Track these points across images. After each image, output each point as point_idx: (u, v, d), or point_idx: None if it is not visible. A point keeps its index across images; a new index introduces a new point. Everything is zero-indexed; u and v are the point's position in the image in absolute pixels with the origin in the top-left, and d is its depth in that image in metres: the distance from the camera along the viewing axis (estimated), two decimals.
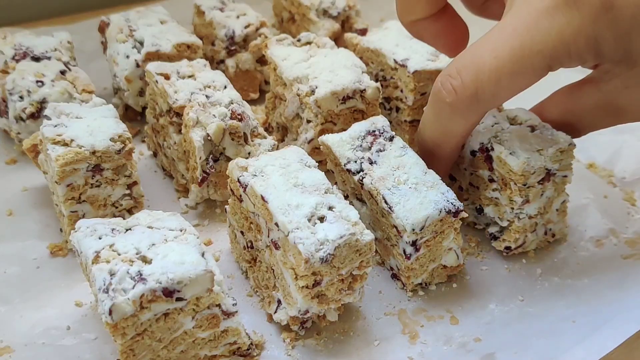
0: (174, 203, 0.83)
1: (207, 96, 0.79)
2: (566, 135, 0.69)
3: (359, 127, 0.74)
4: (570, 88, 0.70)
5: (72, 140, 0.70)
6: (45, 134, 0.71)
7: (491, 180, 0.72)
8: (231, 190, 0.69)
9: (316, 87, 0.81)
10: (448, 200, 0.66)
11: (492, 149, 0.69)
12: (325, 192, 0.63)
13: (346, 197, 0.72)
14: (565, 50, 0.58)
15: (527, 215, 0.70)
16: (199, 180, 0.76)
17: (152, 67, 0.83)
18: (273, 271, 0.65)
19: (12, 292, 0.69)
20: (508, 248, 0.73)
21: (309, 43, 0.89)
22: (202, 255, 0.58)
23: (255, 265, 0.70)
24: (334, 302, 0.63)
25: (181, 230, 0.61)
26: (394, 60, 0.87)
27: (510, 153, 0.68)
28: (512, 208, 0.70)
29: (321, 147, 0.76)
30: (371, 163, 0.71)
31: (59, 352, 0.63)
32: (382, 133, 0.73)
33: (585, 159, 0.91)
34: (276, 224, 0.61)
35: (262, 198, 0.62)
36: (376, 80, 0.89)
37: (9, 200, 0.81)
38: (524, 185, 0.67)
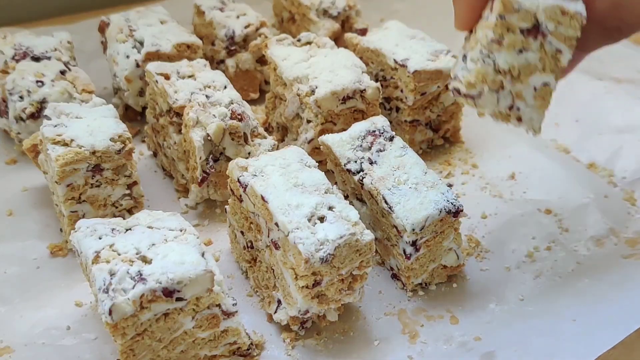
0: (174, 203, 0.83)
1: (207, 96, 0.79)
2: (581, 5, 0.58)
3: (359, 127, 0.74)
4: None
5: (72, 140, 0.70)
6: (45, 134, 0.71)
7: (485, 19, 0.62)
8: (231, 190, 0.69)
9: (316, 87, 0.81)
10: (448, 200, 0.66)
11: None
12: (325, 192, 0.63)
13: (346, 197, 0.72)
14: None
15: (494, 65, 0.58)
16: (199, 180, 0.76)
17: (152, 67, 0.83)
18: (273, 271, 0.65)
19: (12, 292, 0.69)
20: (457, 90, 0.62)
21: (309, 43, 0.89)
22: (202, 255, 0.58)
23: (255, 265, 0.70)
24: (334, 302, 0.63)
25: (181, 230, 0.61)
26: (394, 60, 0.87)
27: None
28: (484, 47, 0.59)
29: (321, 147, 0.76)
30: (371, 163, 0.71)
31: (59, 352, 0.63)
32: (382, 133, 0.73)
33: (585, 158, 0.92)
34: (276, 224, 0.61)
35: (262, 198, 0.62)
36: (376, 80, 0.89)
37: (9, 200, 0.81)
38: (501, 17, 0.56)
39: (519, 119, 0.61)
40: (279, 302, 0.65)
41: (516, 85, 0.59)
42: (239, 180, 0.66)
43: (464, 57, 0.63)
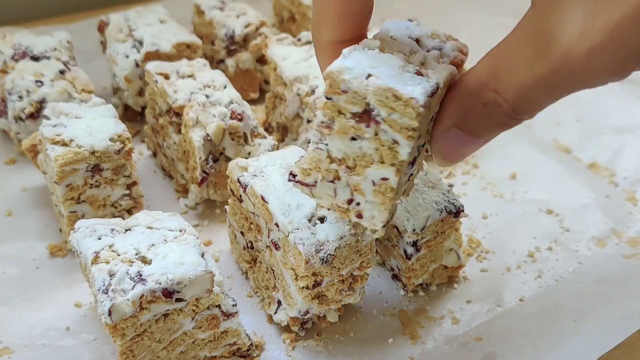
0: (173, 203, 0.82)
1: (206, 96, 0.79)
2: (424, 89, 0.45)
3: None
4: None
5: (71, 140, 0.70)
6: (44, 134, 0.71)
7: None
8: (231, 190, 0.68)
9: (316, 87, 0.80)
10: (449, 201, 0.66)
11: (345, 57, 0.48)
12: None
13: None
14: None
15: (328, 151, 0.49)
16: (199, 181, 0.76)
17: (152, 66, 0.83)
18: (273, 272, 0.65)
19: (11, 293, 0.69)
20: (292, 174, 0.52)
21: (309, 42, 0.89)
22: (202, 255, 0.58)
23: (255, 266, 0.69)
24: (334, 303, 0.63)
25: (181, 231, 0.61)
26: None
27: (343, 56, 0.48)
28: (316, 130, 0.49)
29: None
30: None
31: (58, 353, 0.63)
32: None
33: (586, 158, 0.91)
34: (276, 225, 0.60)
35: (262, 198, 0.62)
36: None
37: (8, 200, 0.80)
38: (328, 98, 0.47)
39: (359, 215, 0.51)
40: (279, 302, 0.65)
41: (353, 177, 0.50)
42: (239, 181, 0.65)
43: None
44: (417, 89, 0.45)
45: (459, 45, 0.52)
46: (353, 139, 0.48)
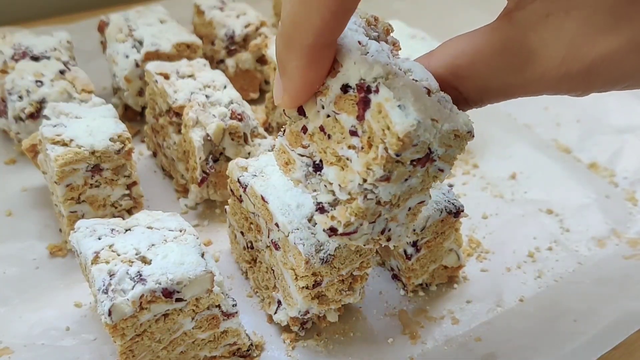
0: (173, 203, 0.82)
1: (206, 96, 0.79)
2: (467, 118, 0.48)
3: None
4: (480, 28, 0.49)
5: (71, 140, 0.70)
6: (44, 134, 0.71)
7: (353, 134, 0.48)
8: (231, 190, 0.68)
9: None
10: (449, 201, 0.66)
11: (377, 91, 0.46)
12: None
13: None
14: None
15: (377, 199, 0.48)
16: (199, 181, 0.76)
17: (152, 66, 0.83)
18: (273, 272, 0.65)
19: (11, 293, 0.69)
20: (333, 230, 0.50)
21: None
22: (202, 255, 0.58)
23: (255, 266, 0.69)
24: (334, 303, 0.63)
25: (181, 231, 0.61)
26: None
27: (399, 106, 0.45)
28: (365, 180, 0.47)
29: None
30: None
31: (58, 353, 0.63)
32: None
33: (586, 158, 0.91)
34: (276, 225, 0.60)
35: (262, 198, 0.62)
36: None
37: (8, 200, 0.80)
38: (397, 155, 0.45)
39: (389, 239, 0.53)
40: (279, 302, 0.65)
41: (393, 211, 0.50)
42: (238, 181, 0.65)
43: (316, 166, 0.51)
44: (466, 121, 0.47)
45: (387, 26, 0.54)
46: (405, 180, 0.48)
